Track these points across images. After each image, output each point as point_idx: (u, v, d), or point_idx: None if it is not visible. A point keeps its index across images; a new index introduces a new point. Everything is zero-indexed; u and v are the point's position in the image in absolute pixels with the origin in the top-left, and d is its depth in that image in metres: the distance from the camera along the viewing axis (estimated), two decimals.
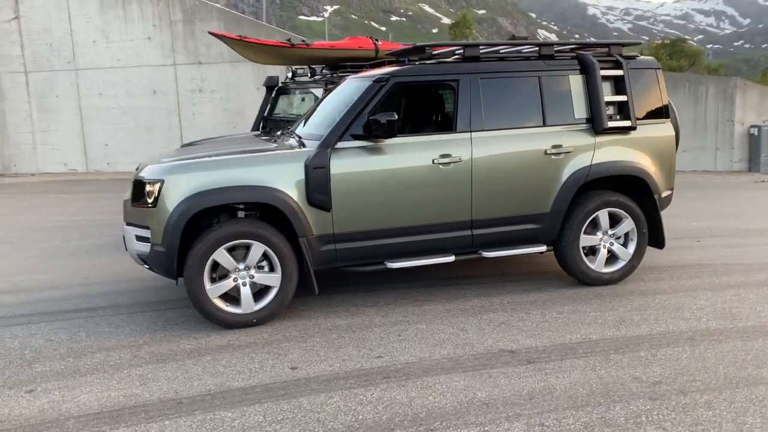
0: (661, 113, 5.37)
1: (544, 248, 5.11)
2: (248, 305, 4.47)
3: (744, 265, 5.86)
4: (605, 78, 5.17)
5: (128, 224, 4.65)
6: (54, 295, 5.35)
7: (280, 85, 8.20)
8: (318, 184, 4.47)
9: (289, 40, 7.83)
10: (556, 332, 4.28)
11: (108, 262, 6.34)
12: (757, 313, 4.56)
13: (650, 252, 5.80)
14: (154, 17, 13.72)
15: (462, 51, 5.03)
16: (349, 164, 4.58)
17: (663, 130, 5.35)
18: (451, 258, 4.88)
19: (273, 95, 8.22)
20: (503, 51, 5.24)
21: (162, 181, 4.36)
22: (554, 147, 5.00)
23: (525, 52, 5.24)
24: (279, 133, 5.83)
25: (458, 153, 4.78)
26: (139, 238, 4.53)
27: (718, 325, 4.34)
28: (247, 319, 4.48)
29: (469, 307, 4.84)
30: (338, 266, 4.73)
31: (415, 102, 5.98)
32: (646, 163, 5.23)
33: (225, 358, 3.98)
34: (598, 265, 5.21)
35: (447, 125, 5.27)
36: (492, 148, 4.88)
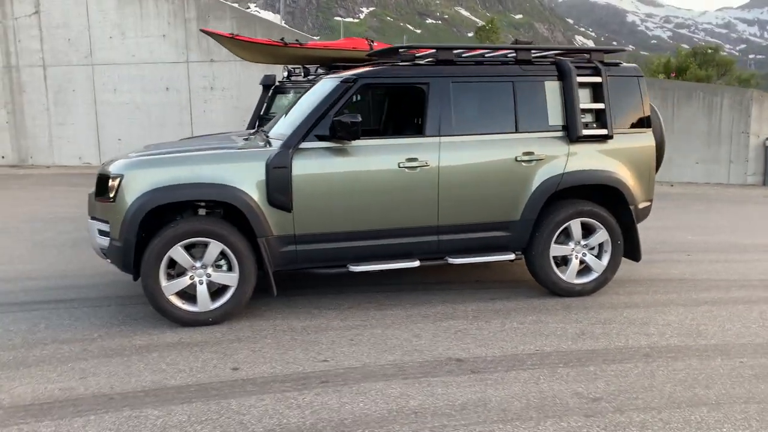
0: (642, 122, 5.24)
1: (512, 256, 5.01)
2: (204, 304, 4.47)
3: (727, 281, 5.68)
4: (583, 85, 5.06)
5: (92, 218, 4.69)
6: (28, 286, 5.42)
7: (276, 84, 8.22)
8: (278, 185, 4.45)
9: (282, 39, 7.82)
10: (511, 342, 4.18)
11: (90, 256, 6.39)
12: (724, 332, 4.41)
13: (632, 265, 5.70)
14: (169, 15, 13.88)
15: (435, 53, 4.96)
16: (312, 165, 4.55)
17: (643, 139, 5.22)
18: (416, 263, 4.82)
19: (270, 94, 8.24)
20: (481, 55, 5.16)
21: (122, 176, 4.38)
22: (525, 154, 4.90)
23: (503, 57, 5.15)
24: (252, 132, 5.83)
25: (425, 157, 4.72)
26: (101, 233, 4.57)
27: (680, 342, 4.20)
28: (203, 317, 4.47)
29: (432, 313, 4.77)
30: (300, 268, 4.70)
31: (386, 104, 5.93)
32: (623, 173, 5.10)
33: (171, 355, 3.97)
34: (569, 275, 5.10)
35: (416, 129, 5.21)
36: (460, 153, 4.80)
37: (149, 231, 4.39)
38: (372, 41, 7.90)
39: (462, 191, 4.80)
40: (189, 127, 14.14)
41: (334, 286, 5.43)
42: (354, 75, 4.78)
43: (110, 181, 4.42)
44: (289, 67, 8.17)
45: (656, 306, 4.95)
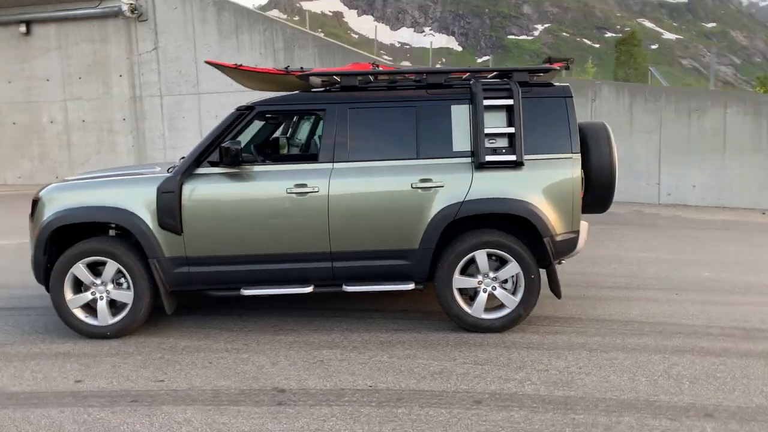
0: (565, 147, 4.79)
1: (411, 286, 4.81)
2: (104, 318, 4.82)
3: (682, 326, 4.93)
4: (494, 108, 4.75)
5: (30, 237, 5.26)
6: None
7: None
8: (166, 209, 4.69)
9: (287, 67, 8.09)
10: (354, 377, 4.04)
11: None
12: (598, 383, 3.88)
13: (593, 301, 5.25)
14: (261, 46, 14.88)
15: (340, 80, 4.95)
16: (202, 190, 4.74)
17: (564, 165, 4.76)
18: (309, 289, 4.81)
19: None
20: (394, 80, 5.05)
21: (40, 199, 4.89)
22: (422, 181, 4.70)
23: (412, 80, 5.01)
24: (180, 158, 6.14)
25: (315, 183, 4.72)
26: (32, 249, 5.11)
27: (534, 391, 3.78)
28: (102, 331, 4.82)
29: (318, 340, 4.72)
30: (195, 289, 4.90)
31: (287, 131, 5.95)
32: (537, 202, 4.69)
33: (41, 364, 4.35)
34: (476, 310, 4.78)
35: (313, 155, 5.20)
36: (351, 179, 4.73)
37: (52, 250, 4.82)
38: (377, 65, 7.90)
39: (353, 218, 4.72)
40: None
41: (254, 308, 5.51)
42: (251, 103, 4.92)
43: (34, 203, 4.95)
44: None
45: (561, 349, 4.47)
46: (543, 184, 4.74)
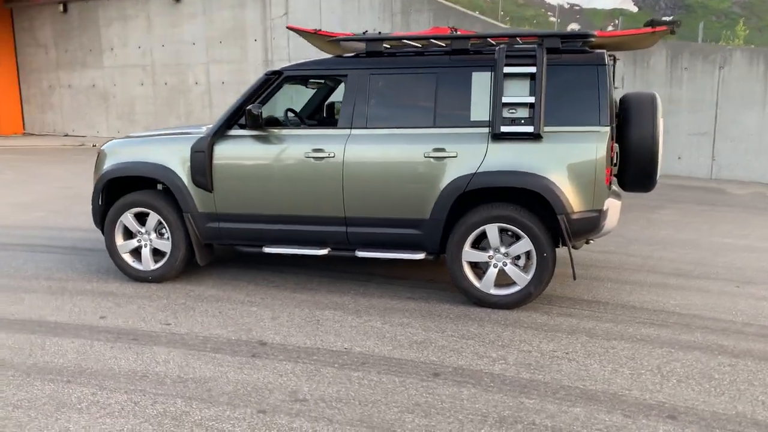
0: (592, 119, 4.45)
1: (422, 256, 4.79)
2: (147, 264, 5.33)
3: (719, 322, 4.45)
4: (515, 76, 4.53)
5: None
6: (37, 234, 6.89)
7: None
8: (197, 167, 5.04)
9: (365, 32, 8.14)
10: (339, 337, 4.16)
11: None
12: (574, 371, 3.66)
13: (631, 288, 4.96)
14: (380, 9, 14.99)
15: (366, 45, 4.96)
16: (230, 151, 5.03)
17: (588, 139, 4.44)
18: (324, 252, 4.96)
19: None
20: (422, 45, 4.98)
21: (102, 152, 5.46)
22: (435, 150, 4.63)
23: (435, 46, 4.89)
24: None
25: (332, 149, 4.82)
26: None
27: (501, 371, 3.67)
28: (144, 275, 5.34)
29: (328, 301, 4.87)
30: (225, 243, 5.24)
31: (315, 96, 5.97)
32: (553, 176, 4.44)
33: (84, 300, 4.93)
34: (485, 284, 4.66)
35: (333, 120, 5.25)
36: (365, 146, 4.77)
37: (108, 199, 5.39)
38: (455, 29, 7.72)
39: (365, 185, 4.77)
40: None
41: (288, 266, 5.77)
42: (280, 68, 5.09)
43: (98, 155, 5.53)
44: None
45: (558, 332, 4.25)
46: (563, 158, 4.46)
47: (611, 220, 4.75)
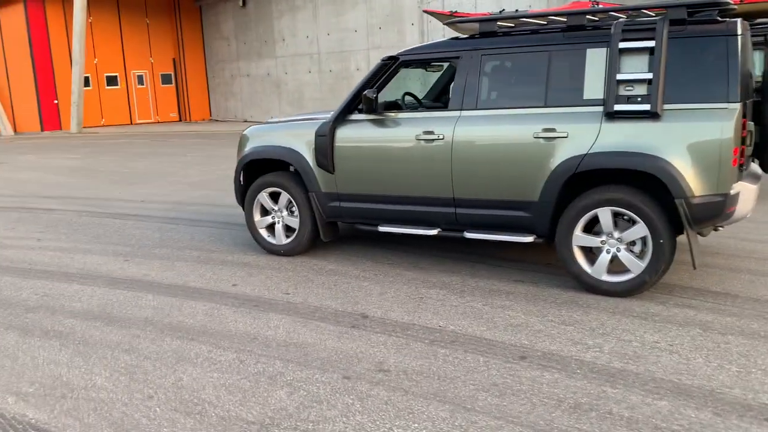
0: (719, 95, 4.10)
1: (531, 238, 4.74)
2: (279, 239, 5.81)
3: None
4: (633, 51, 4.29)
5: None
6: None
7: None
8: (321, 150, 5.39)
9: (502, 10, 7.99)
10: (441, 317, 4.26)
11: None
12: (674, 364, 3.44)
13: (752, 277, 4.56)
14: None
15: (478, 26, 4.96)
16: (349, 134, 5.31)
17: (713, 116, 4.09)
18: (434, 232, 5.09)
19: None
20: (536, 24, 4.87)
21: (243, 136, 6.03)
22: (545, 130, 4.54)
23: (553, 24, 4.76)
24: None
25: (441, 131, 4.91)
26: None
27: (593, 359, 3.56)
28: (277, 249, 5.83)
29: (437, 281, 4.99)
30: (346, 221, 5.56)
31: (440, 79, 5.91)
32: (672, 158, 4.16)
33: (224, 269, 5.50)
34: (596, 270, 4.51)
35: (447, 103, 5.26)
36: (474, 128, 4.80)
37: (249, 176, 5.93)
38: (596, 3, 7.37)
39: (474, 166, 4.80)
40: None
41: (410, 245, 5.95)
42: (396, 53, 5.24)
43: (240, 139, 6.10)
44: None
45: (669, 323, 3.99)
46: (683, 138, 4.17)
47: (744, 206, 4.34)
